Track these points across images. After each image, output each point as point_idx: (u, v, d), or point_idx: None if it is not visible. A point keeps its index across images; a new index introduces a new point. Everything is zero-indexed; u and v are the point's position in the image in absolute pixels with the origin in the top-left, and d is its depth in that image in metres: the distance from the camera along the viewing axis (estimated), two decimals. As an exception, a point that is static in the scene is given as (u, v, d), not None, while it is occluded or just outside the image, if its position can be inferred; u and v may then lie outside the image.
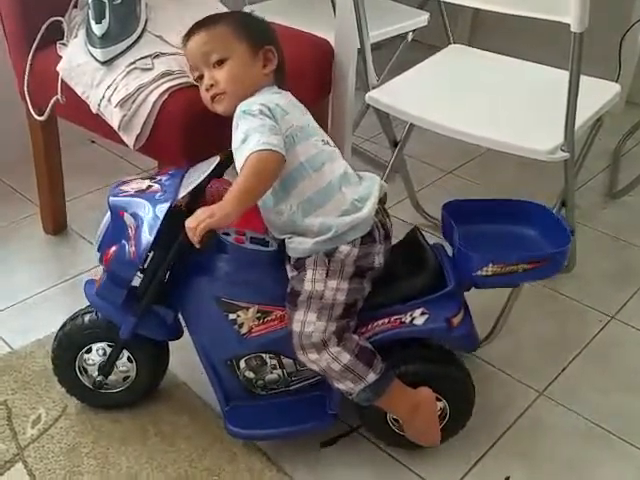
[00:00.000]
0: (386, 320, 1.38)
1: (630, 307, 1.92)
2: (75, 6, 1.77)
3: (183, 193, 1.34)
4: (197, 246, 1.23)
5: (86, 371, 1.51)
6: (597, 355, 1.76)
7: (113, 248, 1.36)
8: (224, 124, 1.41)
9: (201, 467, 1.45)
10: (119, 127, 1.59)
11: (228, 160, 1.38)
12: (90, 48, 1.63)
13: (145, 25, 1.69)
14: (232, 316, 1.37)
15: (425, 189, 2.38)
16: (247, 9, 2.34)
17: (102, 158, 2.45)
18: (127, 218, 1.35)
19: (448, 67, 1.98)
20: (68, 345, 1.49)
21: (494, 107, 1.76)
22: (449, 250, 1.47)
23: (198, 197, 1.37)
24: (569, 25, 1.41)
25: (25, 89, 1.80)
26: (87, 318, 1.48)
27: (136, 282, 1.39)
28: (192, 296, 1.40)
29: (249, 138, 1.27)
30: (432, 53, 2.02)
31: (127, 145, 1.62)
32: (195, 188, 1.34)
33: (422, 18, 2.37)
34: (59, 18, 1.75)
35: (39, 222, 2.13)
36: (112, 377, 1.50)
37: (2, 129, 2.24)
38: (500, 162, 2.45)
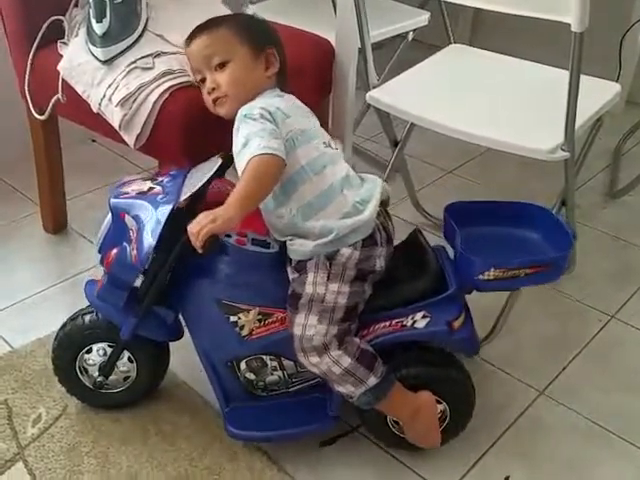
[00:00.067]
0: (387, 323, 1.38)
1: (630, 306, 1.92)
2: (76, 5, 1.77)
3: (185, 196, 1.33)
4: (200, 251, 1.23)
5: (86, 371, 1.51)
6: (597, 354, 1.77)
7: (114, 250, 1.36)
8: (224, 124, 1.41)
9: (201, 466, 1.45)
10: (120, 126, 1.59)
11: (229, 160, 1.38)
12: (91, 47, 1.63)
13: (146, 24, 1.69)
14: (233, 318, 1.37)
15: (425, 188, 2.38)
16: (248, 9, 2.34)
17: (102, 157, 2.45)
18: (128, 220, 1.34)
19: (449, 67, 1.98)
20: (68, 345, 1.49)
21: (494, 106, 1.76)
22: (450, 251, 1.46)
23: (199, 198, 1.36)
24: (569, 25, 1.41)
25: (26, 88, 1.80)
26: (87, 318, 1.48)
27: (137, 282, 1.39)
28: (193, 298, 1.39)
29: (250, 142, 1.27)
30: (433, 53, 2.02)
31: (128, 144, 1.62)
32: (197, 190, 1.34)
33: (423, 18, 2.37)
34: (60, 17, 1.75)
35: (39, 221, 2.14)
36: (112, 377, 1.50)
37: (3, 128, 2.24)
38: (500, 162, 2.45)
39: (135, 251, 1.33)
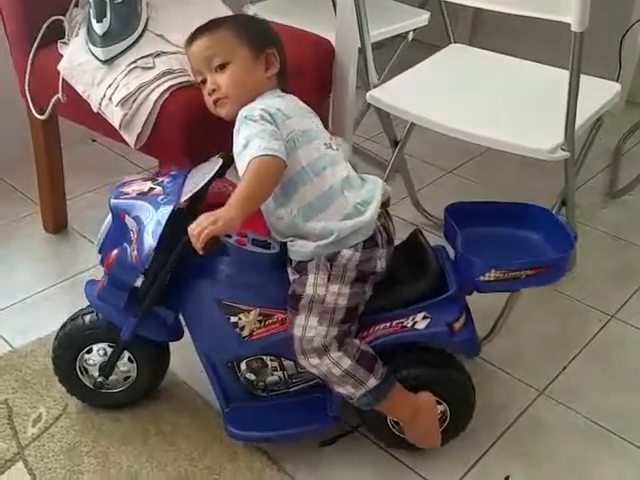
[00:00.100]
0: (388, 324, 1.38)
1: (630, 306, 1.92)
2: (76, 5, 1.77)
3: (185, 197, 1.33)
4: (200, 253, 1.23)
5: (87, 371, 1.51)
6: (597, 354, 1.77)
7: (115, 251, 1.36)
8: (225, 123, 1.41)
9: (201, 466, 1.45)
10: (120, 126, 1.59)
11: (229, 160, 1.38)
12: (91, 47, 1.63)
13: (146, 24, 1.69)
14: (233, 319, 1.37)
15: (425, 188, 2.38)
16: (248, 8, 2.34)
17: (103, 157, 2.45)
18: (129, 221, 1.34)
19: (449, 66, 1.98)
20: (69, 345, 1.49)
21: (494, 106, 1.76)
22: (450, 251, 1.46)
23: (200, 199, 1.36)
24: (569, 25, 1.41)
25: (26, 88, 1.80)
26: (88, 318, 1.48)
27: (137, 283, 1.39)
28: (193, 298, 1.39)
29: (250, 144, 1.27)
30: (433, 52, 2.02)
31: (128, 144, 1.62)
32: (197, 191, 1.34)
33: (423, 17, 2.37)
34: (60, 17, 1.75)
35: (40, 221, 2.14)
36: (113, 377, 1.50)
37: (3, 128, 2.24)
38: (500, 161, 2.45)
39: (136, 252, 1.32)
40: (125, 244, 1.35)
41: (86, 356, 1.50)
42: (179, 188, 1.36)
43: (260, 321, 1.38)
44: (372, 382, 1.34)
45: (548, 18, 1.43)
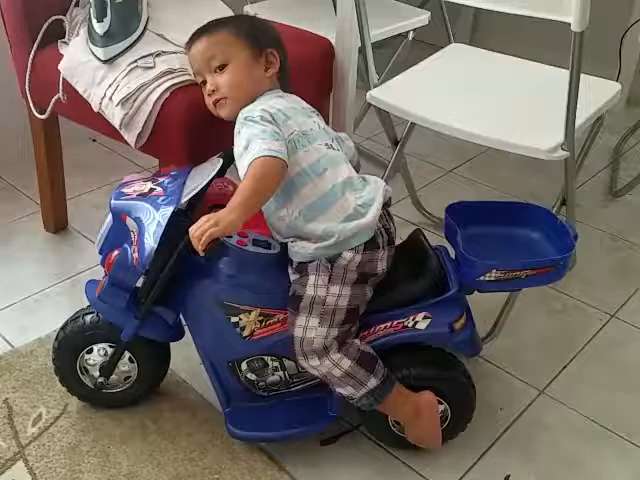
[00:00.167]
0: (388, 324, 1.38)
1: (630, 305, 1.92)
2: (76, 5, 1.77)
3: (186, 198, 1.33)
4: (201, 254, 1.23)
5: (87, 371, 1.51)
6: (598, 353, 1.77)
7: (115, 252, 1.36)
8: (225, 123, 1.42)
9: (202, 465, 1.45)
10: (120, 126, 1.59)
11: (229, 159, 1.38)
12: (91, 46, 1.63)
13: (146, 24, 1.69)
14: (234, 319, 1.37)
15: (426, 188, 2.38)
16: (248, 7, 2.34)
17: (103, 157, 2.45)
18: (129, 222, 1.34)
19: (449, 66, 1.98)
20: (69, 346, 1.49)
21: (495, 106, 1.76)
22: (451, 251, 1.46)
23: (200, 198, 1.36)
24: (569, 24, 1.41)
25: (26, 87, 1.80)
26: (88, 318, 1.47)
27: (138, 284, 1.39)
28: (194, 298, 1.39)
29: (251, 145, 1.27)
30: (433, 52, 2.02)
31: (128, 144, 1.62)
32: (198, 192, 1.34)
33: (423, 17, 2.37)
34: (60, 17, 1.75)
35: (40, 220, 2.14)
36: (113, 377, 1.50)
37: (3, 127, 2.24)
38: (501, 161, 2.45)
39: (136, 253, 1.32)
40: (126, 245, 1.35)
41: (86, 356, 1.50)
42: (179, 189, 1.36)
43: (261, 321, 1.38)
44: (373, 383, 1.34)
45: (548, 18, 1.43)
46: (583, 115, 1.62)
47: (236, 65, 1.41)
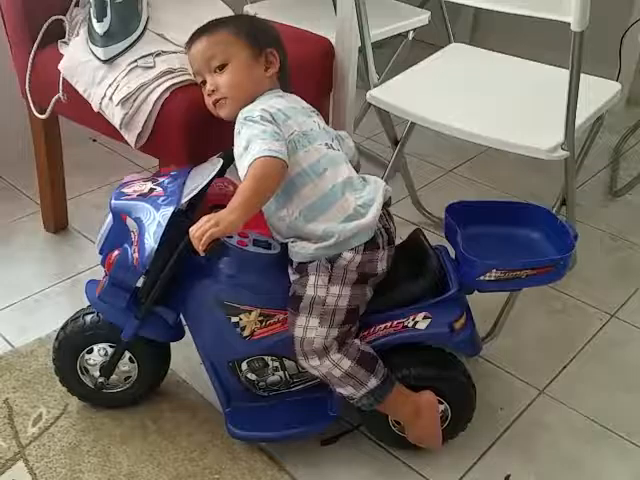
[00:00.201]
0: (388, 324, 1.38)
1: (631, 305, 1.92)
2: (77, 4, 1.77)
3: (186, 198, 1.33)
4: (202, 254, 1.23)
5: (87, 371, 1.51)
6: (598, 353, 1.77)
7: (115, 252, 1.36)
8: (225, 122, 1.42)
9: (202, 465, 1.45)
10: (120, 125, 1.59)
11: (229, 159, 1.38)
12: (91, 46, 1.63)
13: (146, 23, 1.69)
14: (234, 319, 1.37)
15: (425, 187, 2.38)
16: (248, 7, 2.34)
17: (103, 156, 2.45)
18: (129, 223, 1.34)
19: (449, 66, 1.98)
20: (69, 346, 1.49)
21: (495, 106, 1.76)
22: (451, 250, 1.46)
23: (200, 198, 1.36)
24: (569, 24, 1.41)
25: (27, 87, 1.80)
26: (89, 318, 1.47)
27: (138, 284, 1.39)
28: (194, 298, 1.39)
29: (251, 145, 1.26)
30: (433, 52, 2.02)
31: (128, 144, 1.62)
32: (198, 192, 1.34)
33: (423, 17, 2.37)
34: (60, 17, 1.75)
35: (40, 220, 2.14)
36: (113, 377, 1.50)
37: (3, 127, 2.24)
38: (501, 160, 2.45)
39: (137, 253, 1.32)
40: (126, 245, 1.34)
41: (87, 356, 1.50)
42: (180, 189, 1.36)
43: (261, 321, 1.38)
44: (373, 383, 1.34)
45: (548, 18, 1.43)
46: (583, 115, 1.62)
47: (236, 65, 1.41)
